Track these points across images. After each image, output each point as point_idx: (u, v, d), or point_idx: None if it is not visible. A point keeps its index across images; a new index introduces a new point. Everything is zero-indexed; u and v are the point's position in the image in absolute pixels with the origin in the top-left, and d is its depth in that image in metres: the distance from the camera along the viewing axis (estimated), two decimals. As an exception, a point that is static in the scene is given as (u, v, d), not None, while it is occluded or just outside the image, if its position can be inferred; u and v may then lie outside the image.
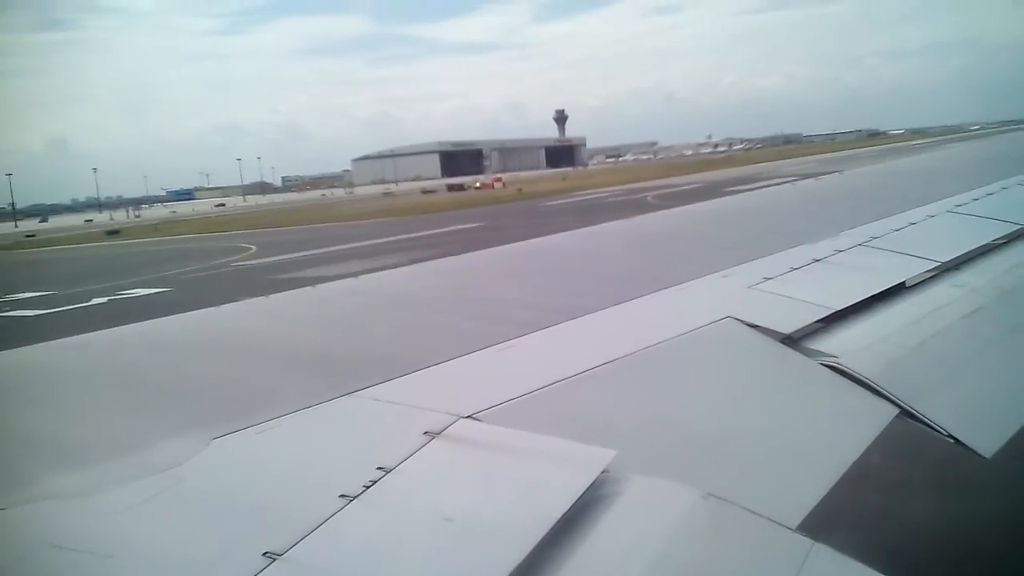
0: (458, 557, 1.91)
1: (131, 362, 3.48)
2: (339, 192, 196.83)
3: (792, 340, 3.46)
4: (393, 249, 39.50)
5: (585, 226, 6.71)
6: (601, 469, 2.17)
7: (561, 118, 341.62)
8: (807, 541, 2.10)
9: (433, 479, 2.22)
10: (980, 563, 7.24)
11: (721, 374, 3.28)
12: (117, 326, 3.98)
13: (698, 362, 3.31)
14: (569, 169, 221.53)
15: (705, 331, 3.47)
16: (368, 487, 2.11)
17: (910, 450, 5.24)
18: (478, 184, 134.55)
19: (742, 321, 3.56)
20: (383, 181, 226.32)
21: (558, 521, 1.95)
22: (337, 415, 2.65)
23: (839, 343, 3.48)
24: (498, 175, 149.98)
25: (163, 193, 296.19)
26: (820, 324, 3.66)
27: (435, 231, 48.39)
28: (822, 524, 2.26)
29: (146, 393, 3.06)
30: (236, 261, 44.36)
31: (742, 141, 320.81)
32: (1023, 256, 5.07)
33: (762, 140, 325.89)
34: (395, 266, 6.30)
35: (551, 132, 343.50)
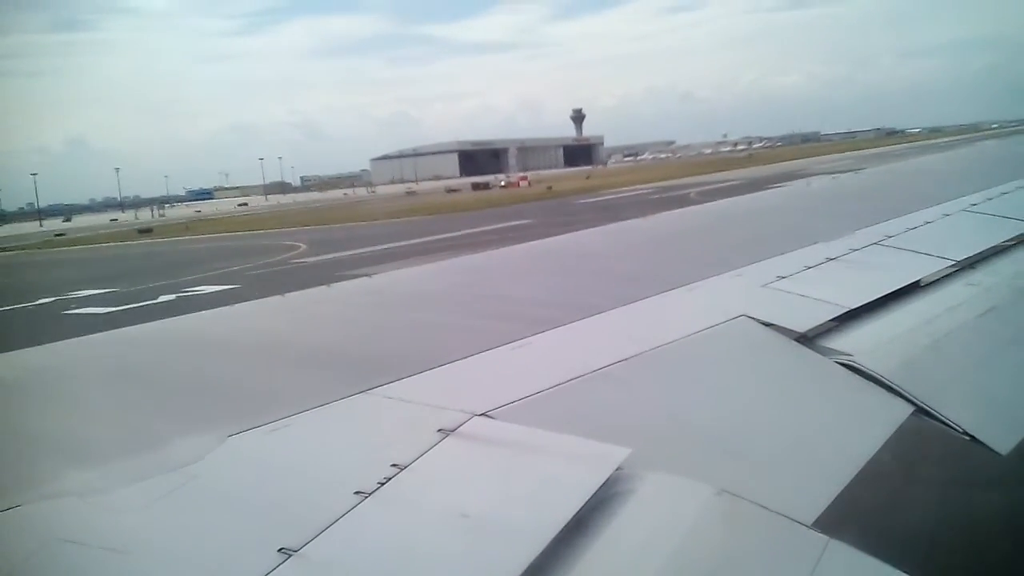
0: (472, 554, 1.91)
1: (147, 360, 3.53)
2: (361, 191, 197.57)
3: (807, 339, 3.47)
4: (451, 246, 38.96)
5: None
6: (615, 466, 2.17)
7: (579, 117, 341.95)
8: (823, 538, 2.10)
9: (447, 476, 2.23)
10: (994, 560, 7.20)
11: (735, 372, 3.29)
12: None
13: (712, 360, 3.31)
14: (589, 168, 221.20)
15: (719, 329, 3.48)
16: (383, 484, 2.13)
17: (925, 448, 5.30)
18: (503, 183, 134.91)
19: (756, 320, 3.57)
20: (402, 180, 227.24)
21: (572, 518, 1.95)
22: (351, 413, 2.67)
23: (854, 341, 3.47)
24: (524, 174, 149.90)
25: (183, 193, 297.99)
26: (835, 323, 3.66)
27: (483, 228, 48.18)
28: (838, 521, 2.26)
29: (162, 391, 3.09)
30: (293, 259, 44.22)
31: (760, 140, 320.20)
32: None
33: (780, 139, 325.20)
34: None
35: (567, 131, 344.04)
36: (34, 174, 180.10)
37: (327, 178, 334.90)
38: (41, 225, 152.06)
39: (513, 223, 49.52)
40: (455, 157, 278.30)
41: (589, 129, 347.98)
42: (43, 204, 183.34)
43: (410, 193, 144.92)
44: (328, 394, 2.76)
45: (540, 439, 2.43)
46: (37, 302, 35.01)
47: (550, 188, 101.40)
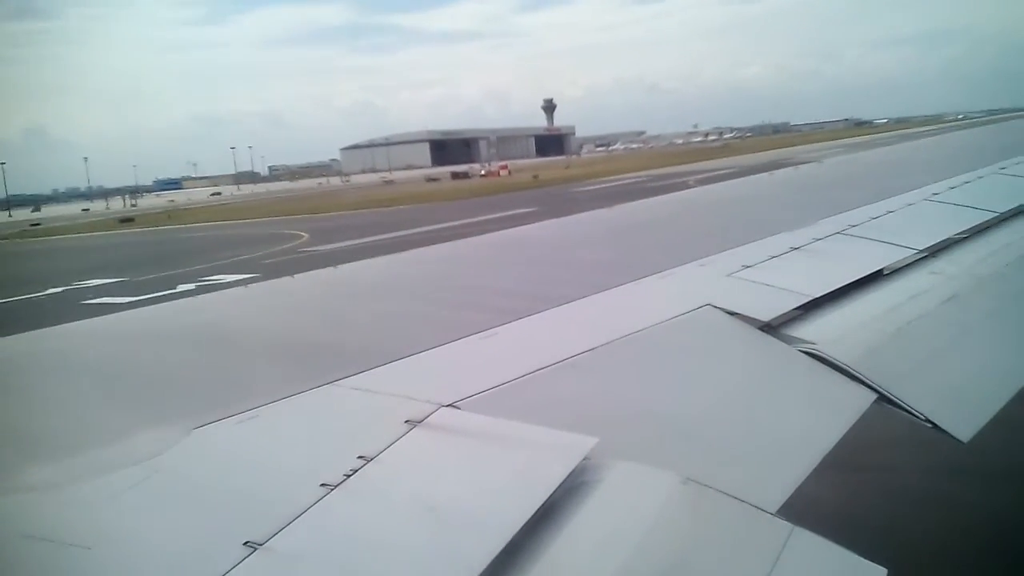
0: (440, 544, 1.91)
1: (110, 352, 3.48)
2: (335, 181, 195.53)
3: (771, 327, 3.50)
4: (456, 235, 38.59)
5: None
6: (582, 456, 2.18)
7: (550, 107, 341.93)
8: (787, 525, 2.13)
9: (414, 468, 2.23)
10: (956, 546, 7.37)
11: (701, 361, 3.32)
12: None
13: (678, 349, 3.34)
14: (563, 158, 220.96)
15: (685, 319, 3.51)
16: (349, 476, 2.11)
17: (888, 435, 5.34)
18: (483, 172, 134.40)
19: (721, 309, 3.60)
20: (373, 170, 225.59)
21: (539, 508, 1.96)
22: (318, 404, 2.65)
23: (817, 330, 3.52)
24: (504, 163, 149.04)
25: (151, 183, 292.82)
26: (799, 311, 3.71)
27: (486, 217, 47.61)
28: (802, 508, 2.29)
29: (126, 383, 3.05)
30: (301, 247, 43.40)
31: (731, 130, 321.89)
32: (999, 243, 5.13)
33: (750, 129, 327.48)
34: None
35: (535, 121, 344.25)
36: (2, 163, 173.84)
37: (295, 168, 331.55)
38: (10, 215, 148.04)
39: (522, 211, 48.86)
40: (426, 147, 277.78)
41: (559, 119, 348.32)
42: (2, 195, 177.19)
43: (387, 182, 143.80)
44: (295, 385, 2.72)
45: (507, 429, 2.43)
46: (46, 292, 33.91)
47: (536, 177, 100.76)
